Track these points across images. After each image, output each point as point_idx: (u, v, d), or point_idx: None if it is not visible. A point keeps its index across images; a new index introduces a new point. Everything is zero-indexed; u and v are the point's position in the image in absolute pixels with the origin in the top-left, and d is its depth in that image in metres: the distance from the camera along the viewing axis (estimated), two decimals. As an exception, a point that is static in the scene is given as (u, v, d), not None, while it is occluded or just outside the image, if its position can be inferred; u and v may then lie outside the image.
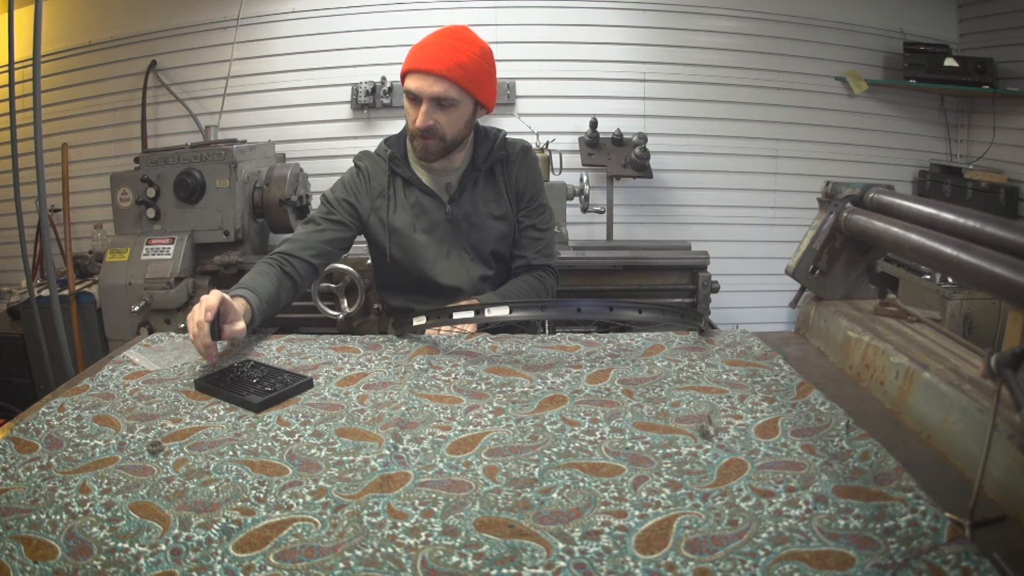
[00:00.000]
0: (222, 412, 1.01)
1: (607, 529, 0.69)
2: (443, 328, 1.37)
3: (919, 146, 3.33)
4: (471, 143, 1.62)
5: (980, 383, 0.86)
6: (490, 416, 0.97)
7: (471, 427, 0.94)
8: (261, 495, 0.78)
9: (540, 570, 0.64)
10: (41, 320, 2.60)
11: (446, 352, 1.24)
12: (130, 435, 0.93)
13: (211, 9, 3.16)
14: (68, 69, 3.27)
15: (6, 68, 2.74)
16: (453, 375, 1.13)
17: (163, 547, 0.68)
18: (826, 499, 0.72)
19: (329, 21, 3.15)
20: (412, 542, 0.68)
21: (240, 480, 0.81)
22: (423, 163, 1.60)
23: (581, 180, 2.81)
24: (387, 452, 0.87)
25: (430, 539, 0.69)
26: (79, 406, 1.02)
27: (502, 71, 1.70)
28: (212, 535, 0.70)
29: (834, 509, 0.70)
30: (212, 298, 1.17)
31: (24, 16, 2.67)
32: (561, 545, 0.67)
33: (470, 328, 1.39)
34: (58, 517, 0.73)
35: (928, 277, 2.58)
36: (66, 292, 2.69)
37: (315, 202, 2.88)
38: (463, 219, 1.61)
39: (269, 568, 0.65)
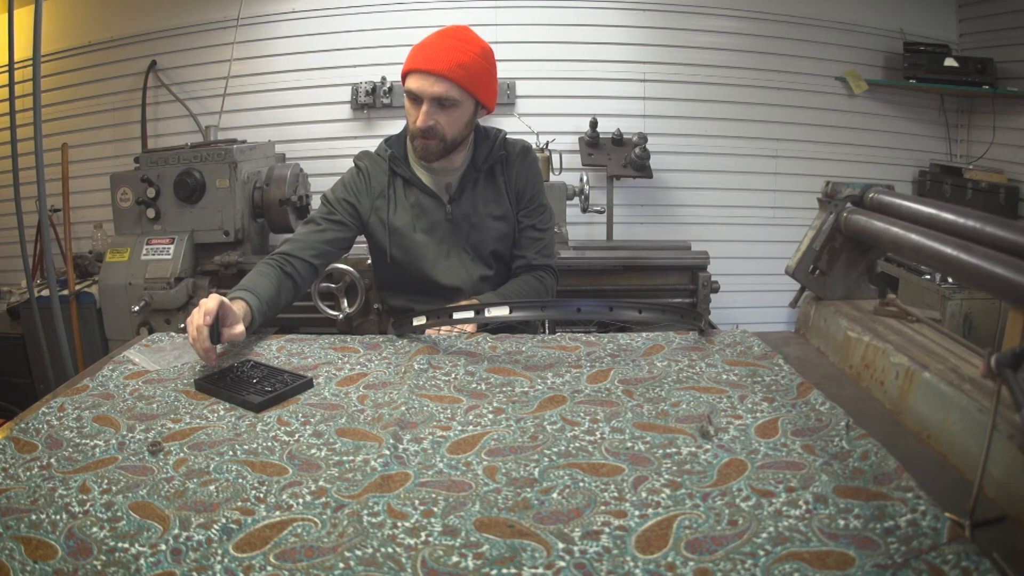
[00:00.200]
0: (222, 412, 1.01)
1: (607, 529, 0.69)
2: (443, 328, 1.37)
3: (919, 146, 3.34)
4: (471, 143, 1.62)
5: (980, 383, 0.86)
6: (490, 416, 0.97)
7: (471, 427, 0.94)
8: (261, 495, 0.78)
9: (540, 570, 0.64)
10: (41, 320, 2.59)
11: (446, 352, 1.24)
12: (130, 435, 0.93)
13: (211, 9, 3.16)
14: (68, 69, 3.27)
15: (6, 68, 2.74)
16: (453, 375, 1.13)
17: (163, 547, 0.68)
18: (826, 499, 0.72)
19: (329, 21, 3.15)
20: (412, 542, 0.68)
21: (240, 480, 0.81)
22: (423, 163, 1.60)
23: (581, 180, 2.81)
24: (387, 452, 0.87)
25: (430, 539, 0.69)
26: (79, 406, 1.02)
27: (502, 71, 1.70)
28: (212, 535, 0.70)
29: (834, 509, 0.70)
30: (211, 302, 1.17)
31: (24, 16, 2.67)
32: (561, 545, 0.67)
33: (470, 328, 1.39)
34: (58, 517, 0.73)
35: (928, 277, 2.58)
36: (66, 292, 2.69)
37: (315, 202, 2.88)
38: (463, 219, 1.61)
39: (269, 568, 0.65)
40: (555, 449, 0.87)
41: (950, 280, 2.47)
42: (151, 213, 2.61)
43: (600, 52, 3.15)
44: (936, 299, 2.50)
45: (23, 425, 0.95)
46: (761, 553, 0.64)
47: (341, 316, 2.43)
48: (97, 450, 0.89)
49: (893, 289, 2.68)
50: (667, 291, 2.46)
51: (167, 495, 0.78)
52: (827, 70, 3.23)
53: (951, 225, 0.97)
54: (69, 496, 0.77)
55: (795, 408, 0.95)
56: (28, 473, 0.83)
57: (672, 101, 3.20)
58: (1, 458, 0.86)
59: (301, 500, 0.77)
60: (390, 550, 0.67)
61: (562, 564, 0.64)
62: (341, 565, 0.65)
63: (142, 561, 0.66)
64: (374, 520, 0.72)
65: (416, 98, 1.49)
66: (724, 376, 1.08)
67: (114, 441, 0.91)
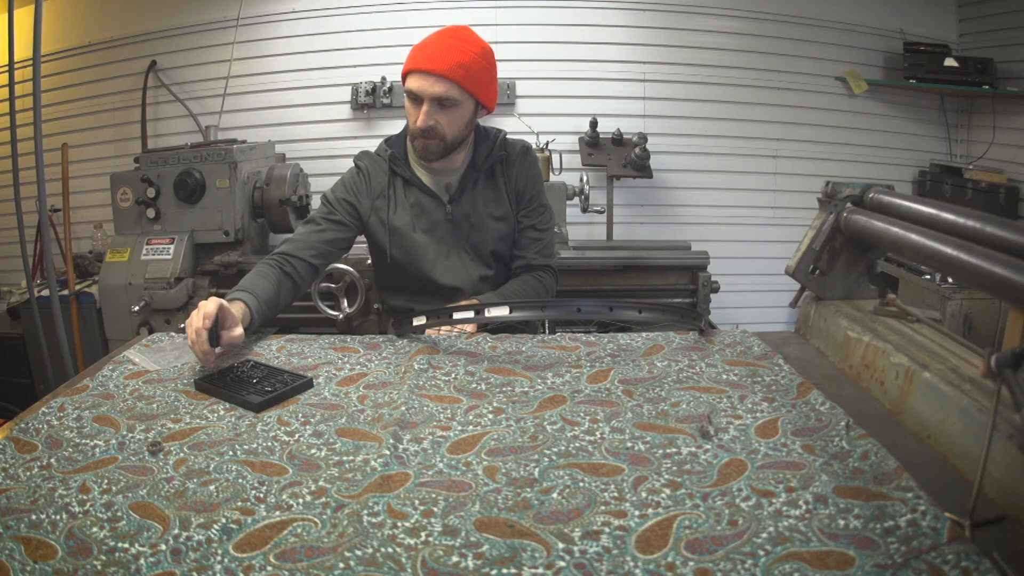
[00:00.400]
0: (222, 412, 1.01)
1: (607, 529, 0.69)
2: (443, 328, 1.37)
3: (919, 146, 3.34)
4: (471, 143, 1.62)
5: (980, 383, 0.86)
6: (490, 416, 0.97)
7: (471, 427, 0.94)
8: (261, 495, 0.78)
9: (540, 570, 0.64)
10: (41, 320, 2.59)
11: (446, 352, 1.24)
12: (130, 435, 0.93)
13: (211, 9, 3.16)
14: (68, 69, 3.27)
15: (6, 68, 2.74)
16: (453, 375, 1.13)
17: (163, 547, 0.68)
18: (826, 499, 0.72)
19: (329, 21, 3.15)
20: (412, 542, 0.68)
21: (240, 480, 0.81)
22: (423, 163, 1.60)
23: (581, 180, 2.81)
24: (387, 452, 0.87)
25: (430, 539, 0.69)
26: (79, 406, 1.02)
27: (502, 71, 1.70)
28: (212, 535, 0.70)
29: (834, 509, 0.70)
30: (210, 305, 1.17)
31: (24, 16, 2.67)
32: (561, 545, 0.67)
33: (470, 328, 1.39)
34: (58, 517, 0.73)
35: (928, 277, 2.59)
36: (66, 292, 2.69)
37: (315, 202, 2.88)
38: (463, 219, 1.61)
39: (269, 568, 0.65)
40: (555, 449, 0.87)
41: (950, 280, 2.47)
42: (151, 213, 2.61)
43: (600, 52, 3.15)
44: (936, 299, 2.50)
45: (23, 425, 0.95)
46: (761, 553, 0.64)
47: (341, 316, 2.43)
48: (97, 450, 0.89)
49: (893, 289, 2.68)
50: (667, 291, 2.46)
51: (167, 495, 0.78)
52: (827, 70, 3.23)
53: (951, 225, 0.97)
54: (69, 496, 0.77)
55: (795, 408, 0.95)
56: (28, 473, 0.83)
57: (672, 101, 3.20)
58: (1, 458, 0.86)
59: (301, 500, 0.77)
60: (390, 550, 0.67)
61: (562, 564, 0.64)
62: (341, 565, 0.65)
63: (142, 561, 0.66)
64: (374, 520, 0.72)
65: (416, 98, 1.49)
66: (724, 376, 1.08)
67: (114, 441, 0.91)
